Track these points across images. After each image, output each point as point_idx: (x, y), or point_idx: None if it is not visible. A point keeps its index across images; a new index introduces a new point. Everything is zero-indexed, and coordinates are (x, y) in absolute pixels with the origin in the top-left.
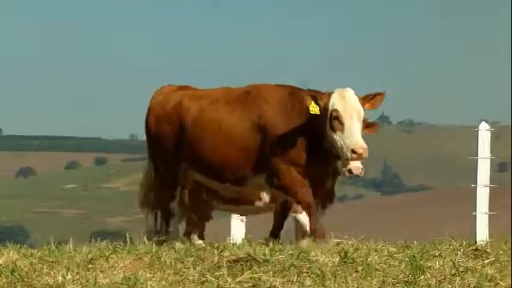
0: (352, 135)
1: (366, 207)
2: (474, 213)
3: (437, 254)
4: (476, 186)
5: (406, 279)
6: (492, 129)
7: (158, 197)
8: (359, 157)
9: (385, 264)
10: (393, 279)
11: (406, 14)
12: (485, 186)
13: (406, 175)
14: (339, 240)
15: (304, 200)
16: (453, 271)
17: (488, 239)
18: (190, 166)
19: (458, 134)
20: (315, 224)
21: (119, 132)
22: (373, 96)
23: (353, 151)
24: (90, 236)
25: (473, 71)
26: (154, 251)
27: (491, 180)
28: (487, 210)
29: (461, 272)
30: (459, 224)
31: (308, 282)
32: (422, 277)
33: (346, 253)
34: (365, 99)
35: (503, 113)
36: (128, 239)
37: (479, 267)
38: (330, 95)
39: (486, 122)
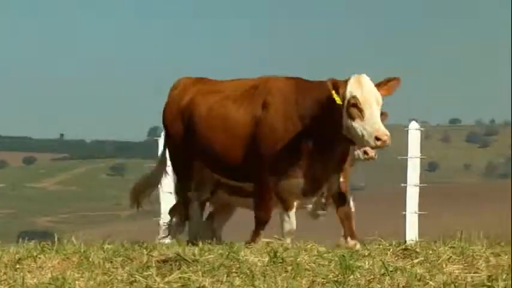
0: (374, 122)
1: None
2: (404, 212)
3: (366, 254)
4: (406, 186)
5: (335, 278)
6: (422, 129)
7: (177, 190)
8: (383, 144)
9: (314, 263)
10: (323, 278)
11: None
12: (415, 185)
13: None
14: (268, 240)
15: (259, 216)
16: (382, 271)
17: (417, 239)
18: (204, 163)
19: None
20: (256, 238)
21: (47, 132)
22: (387, 81)
23: (377, 138)
24: (18, 236)
25: (405, 71)
26: (82, 250)
27: (421, 180)
28: (416, 209)
29: (391, 271)
30: (389, 223)
31: (237, 282)
32: (351, 277)
33: (275, 253)
34: (379, 86)
35: (433, 113)
36: (56, 239)
37: (408, 266)
38: (346, 82)
39: (416, 121)
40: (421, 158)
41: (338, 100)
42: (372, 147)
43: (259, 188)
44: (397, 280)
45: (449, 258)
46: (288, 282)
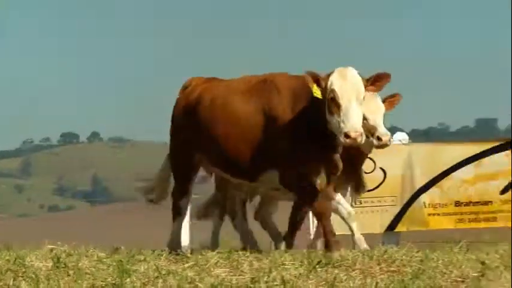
0: (347, 118)
1: (77, 216)
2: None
3: (142, 259)
4: None
5: (113, 282)
6: None
7: (172, 192)
8: (352, 142)
9: (94, 268)
10: (102, 282)
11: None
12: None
13: (116, 187)
14: (52, 247)
15: (316, 210)
16: (156, 274)
17: (189, 245)
18: (206, 158)
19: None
20: (329, 229)
21: None
22: (377, 77)
23: (346, 135)
24: None
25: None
26: None
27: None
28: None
29: (164, 274)
30: (165, 231)
31: (24, 285)
32: (128, 280)
33: (58, 258)
34: (368, 80)
35: None
36: None
37: (180, 270)
38: (329, 75)
39: None
40: None
41: (317, 93)
42: (343, 145)
43: (297, 187)
44: (169, 282)
45: (216, 263)
46: (70, 285)
